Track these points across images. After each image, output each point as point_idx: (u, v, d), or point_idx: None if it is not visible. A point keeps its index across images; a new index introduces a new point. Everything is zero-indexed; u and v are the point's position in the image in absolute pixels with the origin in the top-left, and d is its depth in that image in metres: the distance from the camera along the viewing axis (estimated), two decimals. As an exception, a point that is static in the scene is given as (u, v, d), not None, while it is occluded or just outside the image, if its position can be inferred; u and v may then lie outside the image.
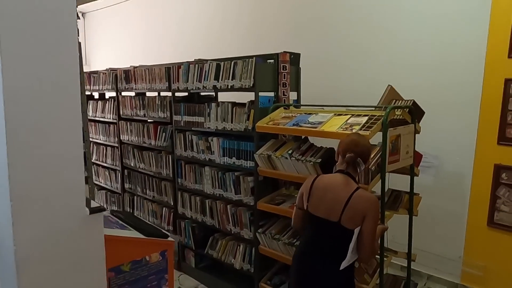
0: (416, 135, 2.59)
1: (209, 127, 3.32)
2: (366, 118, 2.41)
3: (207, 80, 3.26)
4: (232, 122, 3.12)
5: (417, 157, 2.67)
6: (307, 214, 2.05)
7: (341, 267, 1.87)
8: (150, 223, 2.16)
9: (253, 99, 2.94)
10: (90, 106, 5.07)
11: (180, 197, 3.73)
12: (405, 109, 2.51)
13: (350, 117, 2.51)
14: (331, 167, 2.43)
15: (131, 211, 4.51)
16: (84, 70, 5.52)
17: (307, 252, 2.03)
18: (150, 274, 1.92)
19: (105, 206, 4.97)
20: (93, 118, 4.99)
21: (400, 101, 2.63)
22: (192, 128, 3.48)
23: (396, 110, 2.46)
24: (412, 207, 2.65)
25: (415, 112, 2.54)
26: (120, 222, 2.06)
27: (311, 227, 2.05)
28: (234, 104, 3.15)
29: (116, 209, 4.77)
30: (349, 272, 1.96)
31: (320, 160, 2.49)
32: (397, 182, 2.64)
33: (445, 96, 3.36)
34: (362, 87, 3.80)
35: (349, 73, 3.95)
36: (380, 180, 2.29)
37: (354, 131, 2.31)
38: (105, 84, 4.64)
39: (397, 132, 2.35)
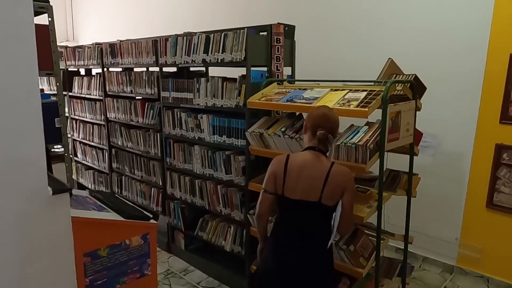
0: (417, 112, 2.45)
1: (198, 104, 3.14)
2: (365, 93, 2.25)
3: (196, 53, 3.07)
4: (222, 98, 2.95)
5: (417, 135, 2.54)
6: (281, 199, 1.88)
7: (328, 245, 1.84)
8: (131, 204, 2.01)
9: (245, 74, 2.76)
10: (76, 82, 4.85)
11: (169, 177, 3.59)
12: (406, 84, 2.35)
13: (348, 92, 2.35)
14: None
15: (119, 191, 4.37)
16: (70, 45, 5.28)
17: (287, 240, 1.87)
18: (131, 259, 1.79)
19: (92, 187, 4.84)
20: (79, 95, 4.78)
21: (401, 75, 2.48)
22: (181, 105, 3.31)
23: (396, 85, 2.30)
24: (411, 188, 2.53)
25: (417, 88, 2.39)
26: (99, 203, 1.91)
27: (287, 211, 1.90)
28: (224, 79, 2.97)
29: (104, 189, 4.63)
30: (330, 250, 1.93)
31: (315, 138, 2.34)
32: (394, 161, 2.50)
33: (446, 71, 3.21)
34: (361, 61, 3.62)
35: (346, 47, 3.77)
36: (379, 160, 2.15)
37: (351, 107, 2.16)
38: (90, 59, 4.41)
39: (398, 108, 2.20)
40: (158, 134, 3.61)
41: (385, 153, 2.18)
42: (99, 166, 4.66)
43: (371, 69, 2.73)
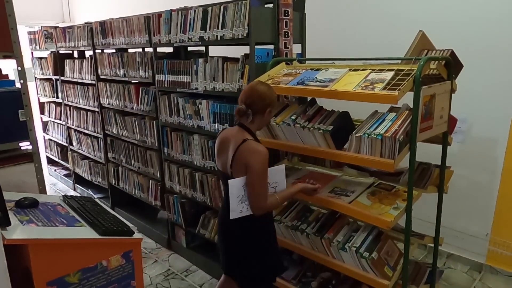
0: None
1: (196, 88, 2.78)
2: (391, 73, 1.88)
3: (192, 30, 2.69)
4: (223, 82, 2.59)
5: (452, 122, 2.16)
6: (217, 170, 2.03)
7: (230, 216, 1.82)
8: (112, 213, 1.68)
9: (248, 53, 2.39)
10: (67, 66, 4.50)
11: (167, 169, 3.27)
12: (440, 62, 1.96)
13: (370, 72, 1.97)
14: (346, 136, 1.94)
15: (116, 183, 4.07)
16: (62, 25, 4.90)
17: (221, 209, 2.05)
18: (111, 282, 1.47)
19: (89, 177, 4.54)
20: (71, 79, 4.43)
21: (433, 51, 2.09)
22: (178, 90, 2.95)
23: (431, 63, 1.92)
24: (443, 184, 2.17)
25: (453, 66, 2.00)
26: (71, 213, 1.58)
27: (222, 182, 2.07)
28: (225, 59, 2.60)
29: (101, 181, 4.33)
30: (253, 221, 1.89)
31: (331, 127, 1.99)
32: (420, 152, 2.13)
33: (480, 45, 2.79)
34: (384, 36, 3.19)
35: (367, 19, 3.32)
36: (409, 153, 1.79)
37: (376, 90, 1.78)
38: (80, 40, 4.05)
39: (432, 91, 1.83)
40: (154, 122, 3.27)
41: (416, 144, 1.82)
42: (95, 156, 4.36)
43: (395, 45, 2.34)
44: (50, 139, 5.57)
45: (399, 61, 2.00)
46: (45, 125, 5.63)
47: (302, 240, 2.26)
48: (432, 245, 2.38)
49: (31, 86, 5.58)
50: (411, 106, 1.78)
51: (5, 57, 1.54)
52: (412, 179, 1.82)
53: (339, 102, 2.02)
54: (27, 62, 5.62)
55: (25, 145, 1.65)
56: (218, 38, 2.51)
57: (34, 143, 1.67)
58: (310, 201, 2.34)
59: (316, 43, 2.99)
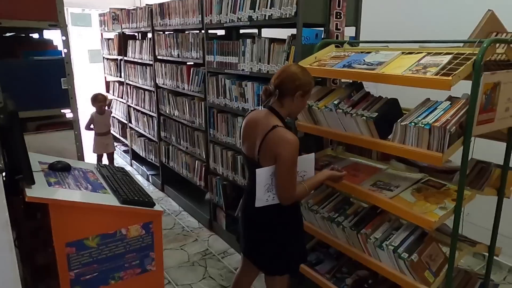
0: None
1: (243, 69, 2.73)
2: (449, 57, 1.67)
3: (242, 10, 2.63)
4: (269, 63, 2.51)
5: (521, 117, 1.88)
6: (242, 154, 1.92)
7: (256, 205, 1.75)
8: (139, 184, 1.69)
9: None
10: (130, 47, 4.70)
11: (212, 151, 3.28)
12: (511, 46, 1.70)
13: (425, 55, 1.77)
14: (392, 125, 1.77)
15: (166, 161, 4.20)
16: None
17: (245, 194, 1.95)
18: (129, 251, 1.49)
19: (143, 154, 4.74)
20: (132, 59, 4.63)
21: (503, 34, 1.82)
22: (225, 71, 2.93)
23: (497, 45, 1.67)
24: (504, 187, 1.92)
25: (527, 51, 1.73)
26: (100, 181, 1.62)
27: (246, 167, 1.96)
28: (272, 40, 2.51)
29: (153, 159, 4.50)
30: (278, 211, 1.80)
31: (376, 114, 1.83)
32: (482, 150, 1.88)
33: None
34: (448, 18, 2.88)
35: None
36: (462, 147, 1.59)
37: (428, 74, 1.60)
38: (141, 21, 4.18)
39: (496, 78, 1.59)
40: (203, 103, 3.29)
41: (472, 139, 1.61)
42: (149, 134, 4.53)
43: (460, 28, 2.08)
44: (113, 116, 5.90)
45: (461, 45, 1.78)
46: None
47: (338, 233, 2.13)
48: (487, 254, 2.13)
49: (100, 67, 5.97)
50: (471, 96, 1.57)
51: (50, 26, 1.61)
52: (464, 176, 1.61)
53: (391, 89, 1.85)
54: (97, 44, 5.99)
55: (66, 112, 1.72)
56: (267, 18, 2.43)
57: (75, 111, 1.74)
58: (349, 193, 2.20)
59: (372, 27, 2.78)
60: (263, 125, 1.73)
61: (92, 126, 4.30)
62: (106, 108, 4.46)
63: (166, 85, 3.89)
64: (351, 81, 2.51)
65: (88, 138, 3.95)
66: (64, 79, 1.67)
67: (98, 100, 4.29)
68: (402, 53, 1.89)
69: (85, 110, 4.01)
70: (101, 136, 4.39)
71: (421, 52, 1.82)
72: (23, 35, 2.55)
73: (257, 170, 1.70)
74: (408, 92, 1.95)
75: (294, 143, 1.66)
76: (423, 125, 1.61)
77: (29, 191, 1.30)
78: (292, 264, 1.92)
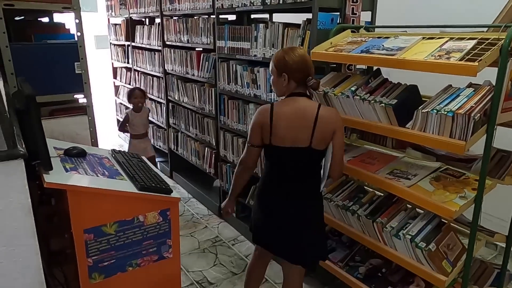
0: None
1: (255, 55, 2.69)
2: (473, 42, 1.62)
3: (255, -7, 2.57)
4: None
5: (544, 104, 1.84)
6: (269, 149, 1.82)
7: (321, 188, 1.84)
8: (155, 171, 1.67)
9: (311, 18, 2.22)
10: (138, 32, 4.64)
11: (222, 138, 3.25)
12: (538, 31, 1.65)
13: (448, 41, 1.72)
14: (412, 112, 1.73)
15: (175, 148, 4.18)
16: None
17: (280, 188, 1.86)
18: (146, 238, 1.48)
19: (152, 141, 4.72)
20: (140, 45, 4.57)
21: (530, 19, 1.76)
22: (237, 57, 2.88)
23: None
24: (525, 176, 1.88)
25: (554, 36, 1.67)
26: (115, 167, 1.60)
27: (276, 160, 1.85)
28: (286, 25, 2.46)
29: (162, 145, 4.48)
30: (320, 200, 1.96)
31: (395, 101, 1.79)
32: (502, 138, 1.84)
33: None
34: (470, 2, 2.80)
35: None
36: (486, 135, 1.55)
37: (452, 60, 1.55)
38: (150, 6, 4.12)
39: (522, 64, 1.54)
40: (213, 89, 3.25)
41: (495, 127, 1.57)
42: (158, 121, 4.50)
43: (484, 12, 2.02)
44: (120, 103, 5.87)
45: (485, 30, 1.72)
46: (116, 89, 5.92)
47: (353, 222, 2.11)
48: (504, 244, 2.10)
49: (107, 53, 5.91)
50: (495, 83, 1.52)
51: (64, 8, 1.57)
52: (487, 165, 1.58)
53: (410, 75, 1.80)
54: (104, 29, 5.92)
55: (79, 97, 1.70)
56: (281, 2, 2.37)
57: (89, 96, 1.71)
58: (366, 181, 2.17)
59: (389, 13, 2.71)
60: (309, 110, 1.72)
61: (127, 127, 3.69)
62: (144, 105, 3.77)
63: (175, 71, 3.85)
64: (365, 67, 2.46)
65: (102, 123, 3.72)
66: (78, 64, 1.65)
67: (135, 96, 3.65)
68: (423, 38, 1.84)
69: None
70: (138, 139, 3.70)
71: (443, 37, 1.77)
72: (32, 19, 2.51)
73: (329, 148, 1.74)
74: (424, 79, 1.90)
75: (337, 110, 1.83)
76: (445, 112, 1.57)
77: (47, 177, 1.29)
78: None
